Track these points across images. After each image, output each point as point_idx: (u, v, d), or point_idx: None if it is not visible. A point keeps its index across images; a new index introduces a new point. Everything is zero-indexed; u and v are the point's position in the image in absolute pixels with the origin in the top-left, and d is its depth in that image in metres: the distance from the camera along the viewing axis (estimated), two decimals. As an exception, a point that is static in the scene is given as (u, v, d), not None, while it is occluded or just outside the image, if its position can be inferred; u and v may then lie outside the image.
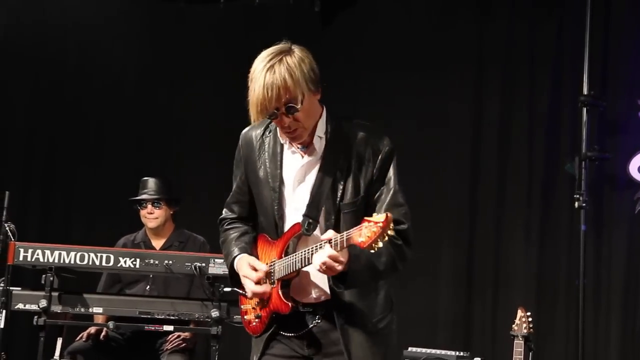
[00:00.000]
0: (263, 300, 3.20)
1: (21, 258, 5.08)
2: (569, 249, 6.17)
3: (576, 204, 5.84)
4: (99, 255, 5.09)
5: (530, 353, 5.26)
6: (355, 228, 2.87)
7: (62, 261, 5.05)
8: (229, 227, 3.38)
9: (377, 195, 3.11)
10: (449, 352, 5.84)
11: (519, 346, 5.22)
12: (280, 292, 3.13)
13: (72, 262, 5.07)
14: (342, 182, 3.10)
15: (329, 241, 2.94)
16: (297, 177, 3.17)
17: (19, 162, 7.31)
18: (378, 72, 6.98)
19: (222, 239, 3.39)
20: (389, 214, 2.82)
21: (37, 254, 5.05)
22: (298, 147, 3.18)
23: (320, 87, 3.11)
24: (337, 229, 3.03)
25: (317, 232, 3.11)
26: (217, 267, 4.98)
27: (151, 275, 5.63)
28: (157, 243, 5.87)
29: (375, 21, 7.01)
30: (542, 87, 6.42)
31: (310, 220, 3.08)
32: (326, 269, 2.95)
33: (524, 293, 6.23)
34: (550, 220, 6.31)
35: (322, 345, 3.18)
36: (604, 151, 5.97)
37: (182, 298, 5.33)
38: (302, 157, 3.17)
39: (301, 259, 3.05)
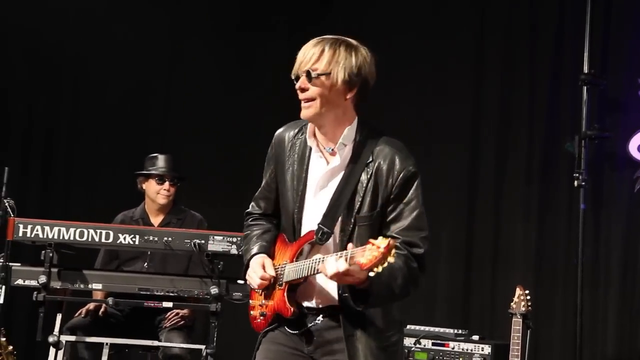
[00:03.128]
0: (269, 299, 3.23)
1: (20, 234, 5.07)
2: (568, 227, 6.17)
3: (576, 183, 5.84)
4: (98, 231, 5.09)
5: (529, 331, 5.30)
6: (360, 248, 2.85)
7: (61, 237, 5.04)
8: (253, 223, 3.41)
9: (394, 213, 3.09)
10: (447, 330, 5.89)
11: (517, 324, 5.26)
12: (285, 295, 3.14)
13: (72, 238, 5.06)
14: (361, 195, 3.09)
15: (335, 254, 2.93)
16: (320, 183, 3.17)
17: (18, 138, 7.32)
18: (378, 47, 6.95)
19: (245, 232, 3.42)
20: (391, 241, 2.78)
21: (37, 230, 5.04)
22: (324, 149, 3.18)
23: (356, 91, 3.10)
24: (351, 241, 3.04)
25: (330, 241, 3.11)
26: (216, 244, 4.99)
27: (149, 253, 5.64)
28: (156, 220, 5.87)
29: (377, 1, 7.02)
30: (543, 65, 6.42)
31: (325, 230, 3.08)
32: (337, 279, 2.92)
33: (523, 271, 6.26)
34: (550, 199, 6.33)
35: (321, 343, 3.17)
36: (604, 130, 5.96)
37: (182, 275, 5.34)
38: (327, 163, 3.17)
39: (309, 267, 3.05)
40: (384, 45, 6.94)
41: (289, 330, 3.21)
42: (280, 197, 3.28)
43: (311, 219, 3.16)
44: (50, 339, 5.03)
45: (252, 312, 3.32)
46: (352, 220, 3.08)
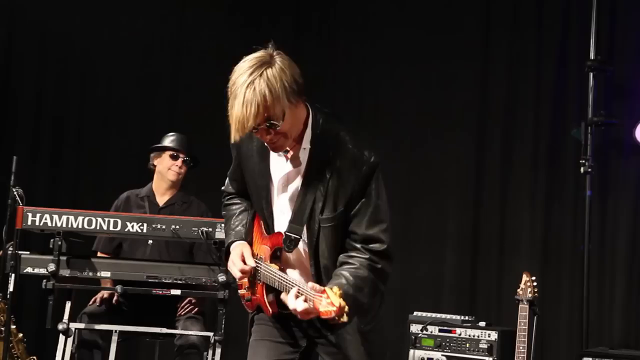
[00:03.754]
0: (253, 287, 3.26)
1: (29, 222, 5.08)
2: (575, 214, 6.16)
3: (582, 169, 5.86)
4: (106, 219, 5.10)
5: (535, 317, 5.28)
6: (319, 293, 2.84)
7: (70, 225, 5.05)
8: (229, 202, 3.44)
9: (356, 208, 3.07)
10: (454, 317, 5.91)
11: (523, 310, 5.25)
12: (265, 296, 3.18)
13: (80, 226, 5.06)
14: (322, 195, 3.07)
15: (299, 293, 2.92)
16: (282, 183, 3.15)
17: (27, 128, 7.36)
18: (384, 35, 6.95)
19: (223, 212, 3.44)
20: (342, 303, 2.75)
21: (45, 219, 5.05)
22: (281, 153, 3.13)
23: (302, 96, 3.01)
24: (318, 243, 3.09)
25: (301, 245, 3.14)
26: (223, 232, 4.98)
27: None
28: (161, 199, 5.86)
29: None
30: (549, 51, 6.39)
31: (292, 237, 3.10)
32: (300, 315, 2.94)
33: (529, 258, 6.25)
34: (556, 186, 6.31)
35: (308, 324, 3.22)
36: (611, 116, 5.94)
37: (189, 262, 5.36)
38: (286, 161, 3.13)
39: (279, 284, 3.06)
40: (390, 36, 6.94)
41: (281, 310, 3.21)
42: (247, 186, 3.28)
43: (280, 216, 3.18)
44: (60, 327, 5.04)
45: (239, 291, 3.34)
46: (317, 222, 3.09)
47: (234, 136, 2.96)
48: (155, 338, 5.59)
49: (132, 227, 5.10)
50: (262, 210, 3.22)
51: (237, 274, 3.22)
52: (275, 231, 3.18)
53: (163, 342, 5.69)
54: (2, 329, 5.61)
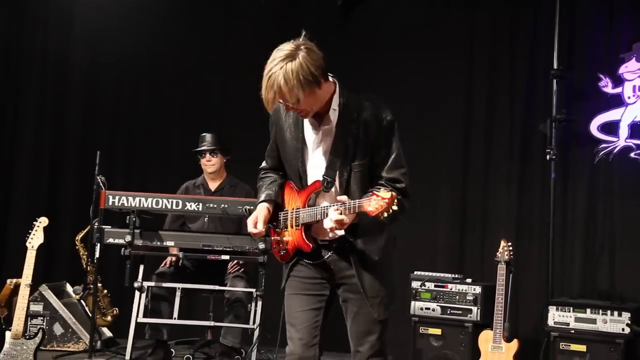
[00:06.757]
0: (288, 237, 3.24)
1: (110, 203, 5.19)
2: (542, 192, 6.13)
3: (548, 157, 5.84)
4: (170, 200, 5.20)
5: (511, 275, 5.34)
6: (365, 198, 2.90)
7: (142, 205, 5.16)
8: (263, 176, 3.42)
9: (379, 157, 3.10)
10: (446, 275, 5.90)
11: (501, 269, 5.29)
12: (303, 235, 3.17)
13: (150, 206, 5.17)
14: (352, 147, 3.09)
15: (343, 204, 2.96)
16: (316, 142, 3.16)
17: (107, 129, 7.36)
18: (390, 52, 6.92)
19: (258, 184, 3.43)
20: (393, 194, 2.82)
21: (123, 200, 5.16)
22: (315, 118, 3.14)
23: (323, 79, 2.99)
24: (349, 184, 3.10)
25: (333, 188, 3.14)
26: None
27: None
28: (213, 185, 5.93)
29: (388, 14, 6.89)
30: (521, 63, 6.33)
31: (329, 180, 3.11)
32: (335, 227, 3.01)
33: (506, 227, 6.21)
34: (527, 170, 6.27)
35: (334, 270, 3.23)
36: (570, 114, 5.93)
37: (236, 233, 5.43)
38: (319, 124, 3.14)
39: (321, 212, 3.09)
40: (392, 58, 6.81)
41: (308, 262, 3.25)
42: (281, 153, 3.27)
43: (313, 170, 3.17)
44: (135, 285, 5.18)
45: (274, 247, 3.35)
46: (349, 168, 3.09)
47: (267, 109, 3.03)
48: (210, 293, 5.68)
49: (190, 206, 5.19)
50: (297, 171, 3.20)
51: (251, 229, 3.22)
52: (309, 184, 3.18)
53: (216, 297, 5.77)
54: (92, 286, 5.74)
